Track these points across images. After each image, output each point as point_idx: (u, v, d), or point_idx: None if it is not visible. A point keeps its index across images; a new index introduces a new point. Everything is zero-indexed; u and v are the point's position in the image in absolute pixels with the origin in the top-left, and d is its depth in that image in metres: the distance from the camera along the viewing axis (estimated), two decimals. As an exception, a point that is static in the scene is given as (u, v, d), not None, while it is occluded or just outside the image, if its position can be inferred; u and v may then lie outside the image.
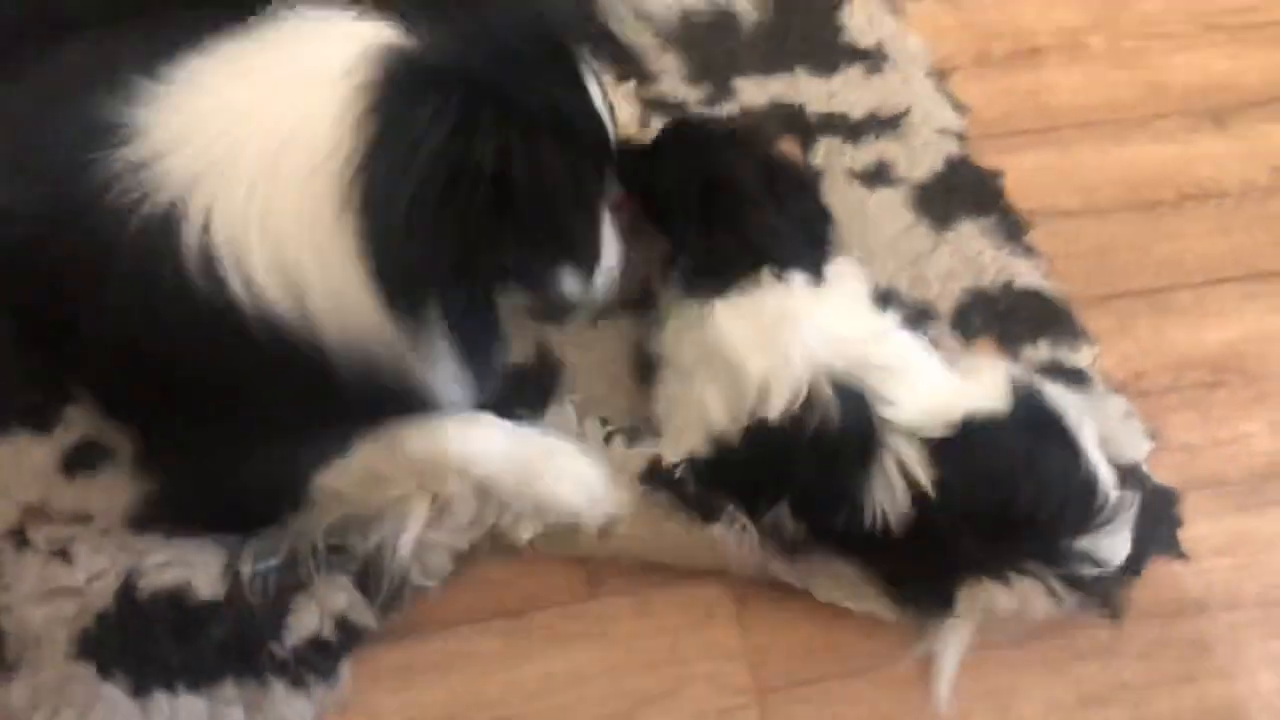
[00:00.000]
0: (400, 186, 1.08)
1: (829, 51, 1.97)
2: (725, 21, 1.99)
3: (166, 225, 1.14)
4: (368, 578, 1.42)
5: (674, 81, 1.91)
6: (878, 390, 1.37)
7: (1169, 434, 1.64)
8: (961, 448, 1.35)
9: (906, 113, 1.90)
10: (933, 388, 1.42)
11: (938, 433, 1.35)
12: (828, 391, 1.36)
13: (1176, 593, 1.53)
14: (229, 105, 1.15)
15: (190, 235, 1.13)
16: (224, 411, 1.30)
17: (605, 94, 1.33)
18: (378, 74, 1.10)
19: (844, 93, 1.92)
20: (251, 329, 1.15)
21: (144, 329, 1.22)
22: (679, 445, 1.46)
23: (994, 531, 1.36)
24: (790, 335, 1.39)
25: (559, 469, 1.42)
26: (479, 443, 1.41)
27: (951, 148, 1.88)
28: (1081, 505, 1.39)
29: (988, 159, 1.88)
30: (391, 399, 1.29)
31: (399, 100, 1.09)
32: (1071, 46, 2.05)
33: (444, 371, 1.29)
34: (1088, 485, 1.39)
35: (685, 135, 1.61)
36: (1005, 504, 1.36)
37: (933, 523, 1.34)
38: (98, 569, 1.43)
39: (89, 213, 1.16)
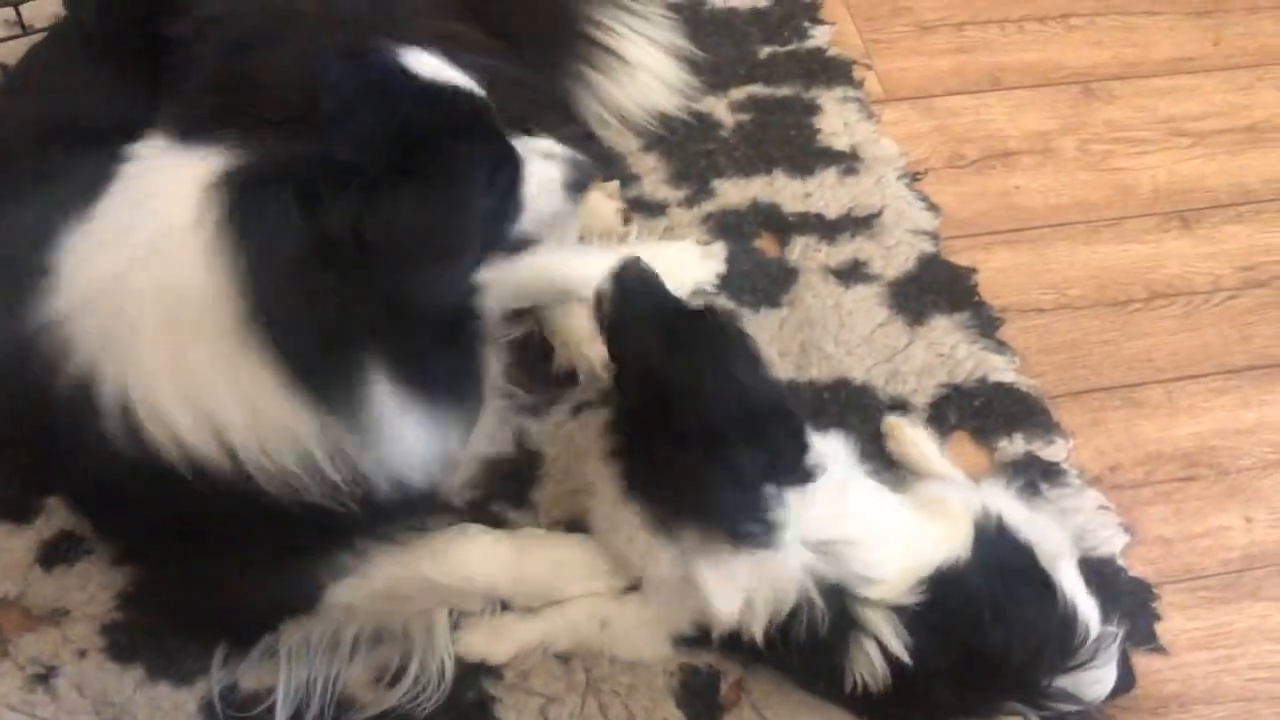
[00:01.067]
0: (282, 287, 1.08)
1: (805, 154, 2.03)
2: (705, 125, 2.05)
3: (86, 388, 1.15)
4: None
5: (655, 182, 1.97)
6: (855, 571, 1.34)
7: (1144, 527, 1.66)
8: (931, 607, 1.34)
9: (880, 213, 1.96)
10: (903, 548, 1.38)
11: (910, 599, 1.33)
12: (814, 597, 1.33)
13: (1156, 688, 1.53)
14: (107, 275, 1.14)
15: (109, 400, 1.14)
16: (194, 538, 1.31)
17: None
18: (223, 202, 1.09)
19: (820, 193, 1.98)
20: (187, 479, 1.16)
21: (88, 475, 1.26)
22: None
23: (970, 679, 1.35)
24: (774, 567, 1.32)
25: (565, 572, 1.48)
26: (493, 564, 1.47)
27: (925, 246, 1.93)
28: (1061, 644, 1.35)
29: (960, 257, 1.93)
30: (347, 508, 1.25)
31: (251, 217, 1.08)
32: (1042, 150, 2.12)
33: (409, 437, 1.26)
34: (1066, 623, 1.36)
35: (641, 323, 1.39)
36: (976, 653, 1.34)
37: (909, 680, 1.33)
38: (80, 711, 1.43)
39: (29, 352, 1.18)
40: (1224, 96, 2.21)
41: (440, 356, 1.26)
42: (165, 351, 1.12)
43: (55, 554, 1.53)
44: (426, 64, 1.21)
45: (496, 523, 1.57)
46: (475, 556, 1.48)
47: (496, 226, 1.31)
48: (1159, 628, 1.57)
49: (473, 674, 1.47)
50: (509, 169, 1.31)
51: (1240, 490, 1.71)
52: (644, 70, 1.97)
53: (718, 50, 2.16)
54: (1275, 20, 2.34)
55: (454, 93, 1.22)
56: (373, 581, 1.42)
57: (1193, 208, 2.05)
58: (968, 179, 2.07)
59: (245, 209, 1.08)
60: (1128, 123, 2.17)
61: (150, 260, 1.11)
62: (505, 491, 1.61)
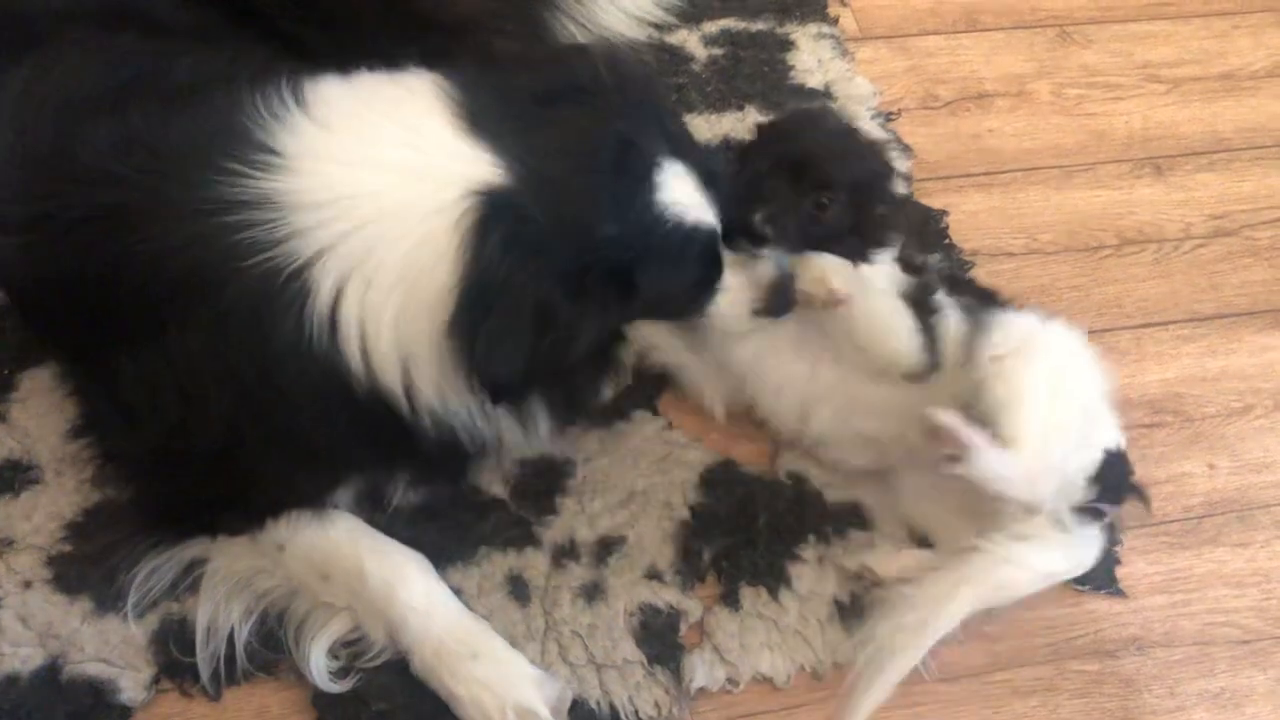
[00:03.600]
0: (499, 324, 1.23)
1: (778, 91, 1.99)
2: (677, 58, 2.01)
3: (295, 282, 1.22)
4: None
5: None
6: None
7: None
8: None
9: (854, 152, 1.92)
10: None
11: None
12: None
13: (1115, 631, 1.54)
14: (363, 192, 1.25)
15: (320, 300, 1.23)
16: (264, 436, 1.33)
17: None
18: (481, 215, 1.23)
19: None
20: (350, 384, 1.27)
21: (237, 360, 1.27)
22: None
23: None
24: None
25: (471, 675, 1.39)
26: (425, 608, 1.41)
27: (898, 188, 1.89)
28: None
29: (933, 200, 1.91)
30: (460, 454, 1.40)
31: (494, 239, 1.22)
32: (1017, 93, 2.09)
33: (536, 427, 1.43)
34: None
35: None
36: None
37: None
38: (24, 643, 1.39)
39: (200, 224, 1.24)
40: (1200, 43, 2.19)
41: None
42: (398, 296, 1.23)
43: (0, 483, 1.48)
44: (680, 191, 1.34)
45: (517, 523, 1.53)
46: (418, 589, 1.42)
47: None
48: (1119, 572, 1.57)
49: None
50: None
51: (1204, 438, 1.72)
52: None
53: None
54: (1253, -32, 2.32)
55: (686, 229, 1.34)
56: (316, 543, 1.41)
57: (1166, 155, 2.04)
58: (941, 120, 2.04)
59: (493, 229, 1.22)
60: (1103, 67, 2.14)
61: (407, 211, 1.23)
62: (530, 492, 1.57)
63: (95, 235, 1.30)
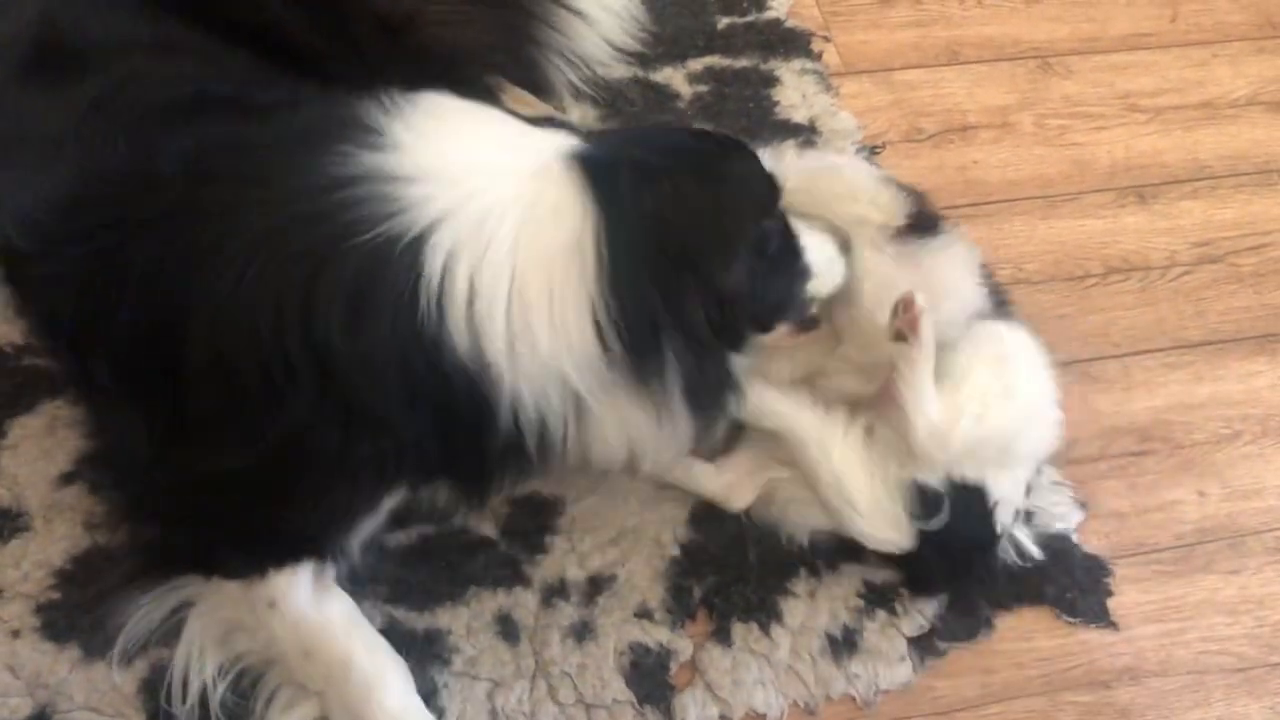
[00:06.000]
0: (637, 270, 1.25)
1: (763, 126, 2.00)
2: (662, 96, 2.03)
3: (409, 248, 1.22)
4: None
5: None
6: None
7: (1098, 502, 1.66)
8: None
9: (839, 186, 1.93)
10: None
11: None
12: None
13: (1109, 661, 1.53)
14: (473, 163, 1.28)
15: (431, 275, 1.22)
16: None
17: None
18: (581, 169, 1.26)
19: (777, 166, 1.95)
20: (448, 367, 1.24)
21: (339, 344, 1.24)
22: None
23: None
24: None
25: None
26: (398, 708, 1.36)
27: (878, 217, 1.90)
28: None
29: (918, 232, 1.92)
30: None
31: (613, 194, 1.25)
32: (1000, 124, 2.11)
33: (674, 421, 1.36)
34: None
35: None
36: None
37: None
38: (13, 692, 1.39)
39: (305, 204, 1.24)
40: (1179, 73, 2.21)
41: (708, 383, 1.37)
42: (517, 259, 1.23)
43: (-13, 531, 1.48)
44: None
45: (506, 562, 1.52)
46: (396, 697, 1.36)
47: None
48: (1111, 602, 1.57)
49: (418, 662, 1.43)
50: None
51: (1193, 464, 1.72)
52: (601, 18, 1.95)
53: (676, 21, 2.13)
54: (1231, -3, 2.35)
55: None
56: (310, 619, 1.36)
57: (1149, 183, 2.05)
58: (925, 153, 2.06)
59: (608, 184, 1.25)
60: (1085, 98, 2.16)
61: (516, 175, 1.26)
62: (520, 531, 1.56)
63: (175, 231, 1.28)
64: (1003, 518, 1.47)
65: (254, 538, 1.38)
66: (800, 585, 1.53)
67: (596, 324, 1.25)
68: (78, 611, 1.43)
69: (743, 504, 1.55)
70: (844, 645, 1.50)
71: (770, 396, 1.52)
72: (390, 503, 1.41)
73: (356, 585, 1.45)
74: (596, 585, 1.52)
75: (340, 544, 1.41)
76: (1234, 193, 2.05)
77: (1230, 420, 1.77)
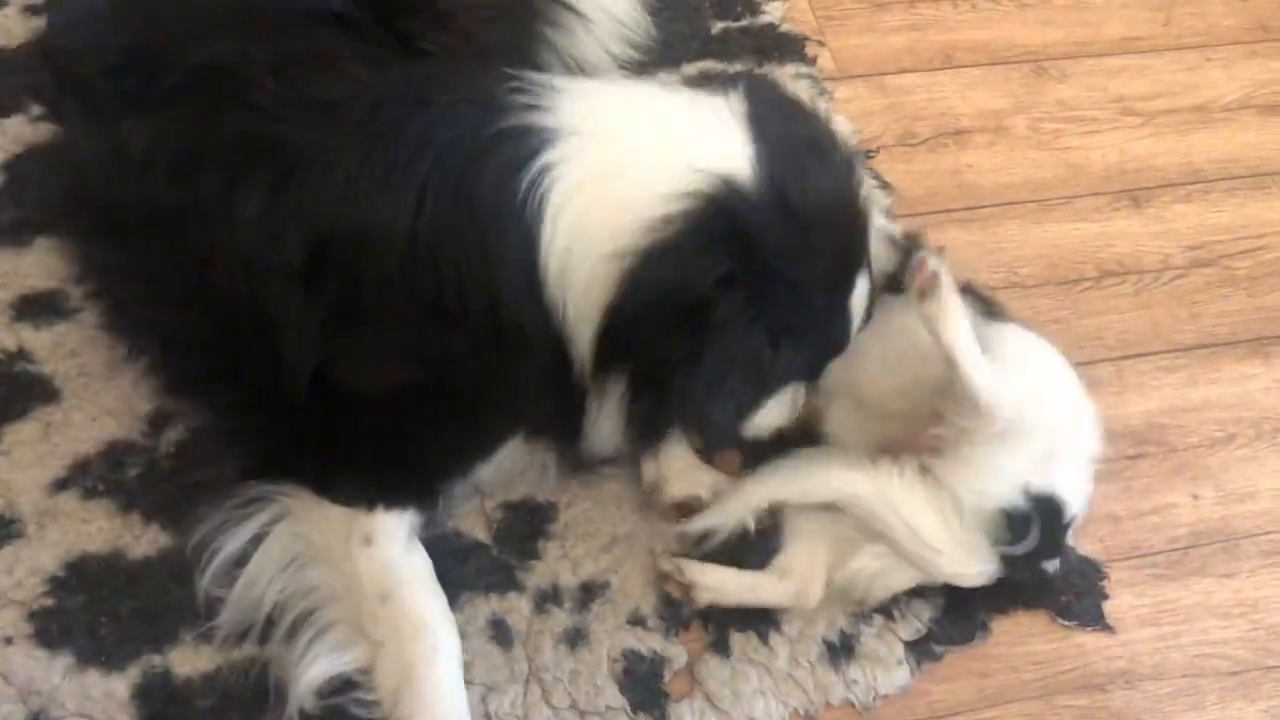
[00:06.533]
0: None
1: (757, 131, 2.00)
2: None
3: (536, 155, 1.29)
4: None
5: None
6: None
7: (1093, 505, 1.63)
8: None
9: (833, 190, 1.93)
10: None
11: None
12: None
13: (1104, 665, 1.53)
14: (624, 143, 1.35)
15: (552, 175, 1.29)
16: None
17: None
18: (709, 203, 1.28)
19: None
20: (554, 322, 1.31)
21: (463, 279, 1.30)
22: None
23: None
24: None
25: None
26: (448, 689, 1.37)
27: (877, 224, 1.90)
28: None
29: (913, 236, 1.92)
30: None
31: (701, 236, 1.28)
32: (994, 128, 2.11)
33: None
34: None
35: None
36: None
37: None
38: (5, 699, 1.38)
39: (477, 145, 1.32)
40: (1173, 76, 2.22)
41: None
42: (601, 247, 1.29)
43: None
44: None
45: (499, 567, 1.52)
46: (454, 667, 1.38)
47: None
48: (1107, 606, 1.57)
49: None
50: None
51: (1187, 468, 1.72)
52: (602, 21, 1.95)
53: (670, 26, 2.12)
54: (1224, 1, 2.35)
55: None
56: (397, 571, 1.38)
57: (1142, 187, 2.06)
58: (920, 157, 2.06)
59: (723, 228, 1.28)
60: (1078, 102, 2.16)
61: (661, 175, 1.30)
62: (513, 536, 1.55)
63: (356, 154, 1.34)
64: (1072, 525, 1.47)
65: (375, 469, 1.40)
66: (796, 590, 1.53)
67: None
68: (71, 616, 1.42)
69: (816, 600, 1.50)
70: (842, 651, 1.50)
71: (818, 468, 1.50)
72: (503, 452, 1.44)
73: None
74: (589, 591, 1.51)
75: (449, 490, 1.43)
76: (1227, 196, 2.06)
77: (1224, 423, 1.77)
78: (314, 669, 1.36)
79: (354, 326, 1.35)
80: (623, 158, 1.32)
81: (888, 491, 1.43)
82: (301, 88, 1.39)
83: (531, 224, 1.29)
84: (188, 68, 1.43)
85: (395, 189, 1.31)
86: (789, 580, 1.49)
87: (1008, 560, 1.42)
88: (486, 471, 1.48)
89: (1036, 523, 1.41)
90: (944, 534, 1.42)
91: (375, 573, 1.37)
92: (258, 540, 1.40)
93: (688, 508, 1.54)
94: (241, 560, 1.40)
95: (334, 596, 1.39)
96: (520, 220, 1.29)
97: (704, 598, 1.49)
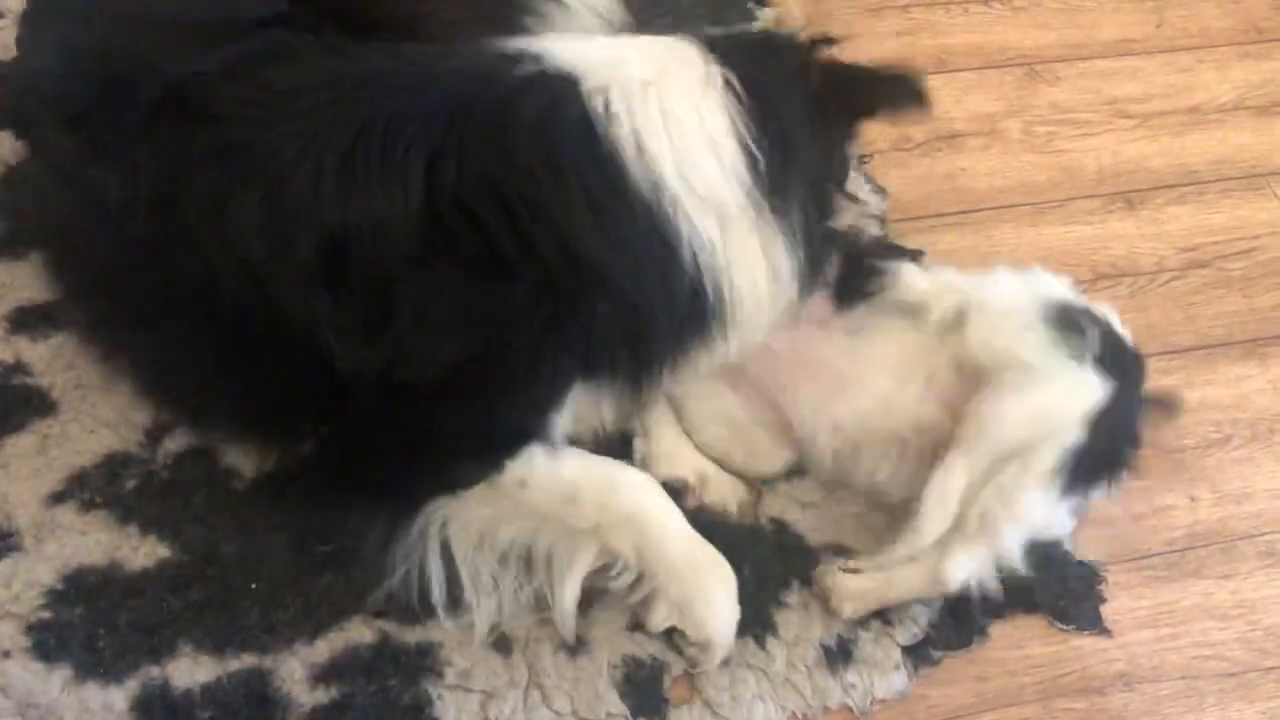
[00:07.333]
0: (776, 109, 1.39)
1: (753, 137, 2.00)
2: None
3: (566, 90, 1.32)
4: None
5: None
6: None
7: (1090, 509, 1.65)
8: None
9: (828, 196, 1.94)
10: None
11: None
12: None
13: (1103, 668, 1.53)
14: (603, 43, 1.45)
15: (594, 102, 1.31)
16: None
17: None
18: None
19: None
20: (628, 190, 1.32)
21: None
22: None
23: None
24: None
25: (716, 592, 1.44)
26: (669, 512, 1.45)
27: (872, 229, 1.92)
28: None
29: (908, 240, 1.93)
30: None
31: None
32: (988, 132, 2.12)
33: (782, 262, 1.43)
34: None
35: None
36: None
37: None
38: (4, 713, 1.38)
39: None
40: (1166, 78, 2.22)
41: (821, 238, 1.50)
42: (654, 90, 1.35)
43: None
44: None
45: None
46: (660, 495, 1.45)
47: None
48: (1104, 609, 1.57)
49: (411, 676, 1.43)
50: None
51: (1184, 470, 1.72)
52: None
53: (662, 30, 2.12)
54: (1216, 3, 2.36)
55: None
56: (558, 468, 1.41)
57: (1136, 189, 2.06)
58: (914, 161, 2.06)
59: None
60: (1072, 104, 2.17)
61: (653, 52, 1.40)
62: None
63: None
64: None
65: (480, 442, 1.41)
66: (793, 596, 1.53)
67: (744, 147, 1.35)
68: (69, 629, 1.42)
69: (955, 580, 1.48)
70: (839, 655, 1.50)
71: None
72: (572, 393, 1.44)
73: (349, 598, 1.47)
74: (588, 597, 1.51)
75: (556, 415, 1.44)
76: (1221, 197, 2.06)
77: (1220, 425, 1.77)
78: (565, 592, 1.42)
79: (393, 316, 1.33)
80: (656, 72, 1.36)
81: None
82: (258, 84, 1.36)
83: (606, 149, 1.30)
84: (145, 101, 1.38)
85: (397, 166, 1.29)
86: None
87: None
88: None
89: None
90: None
91: (549, 494, 1.41)
92: (445, 550, 1.44)
93: (673, 489, 1.54)
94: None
95: (533, 530, 1.43)
96: (590, 150, 1.30)
97: (845, 609, 1.50)
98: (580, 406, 1.46)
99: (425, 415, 1.38)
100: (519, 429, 1.41)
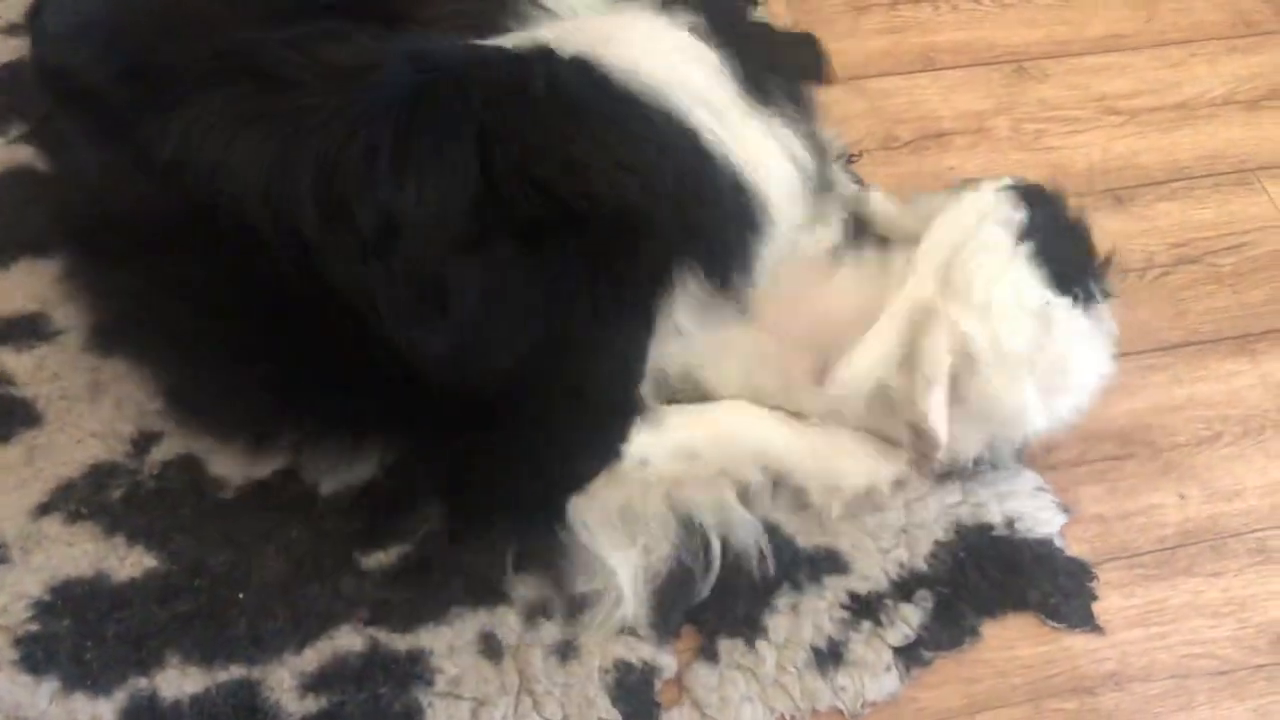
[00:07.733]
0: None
1: (739, 137, 2.00)
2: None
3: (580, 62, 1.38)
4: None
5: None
6: None
7: (1080, 507, 1.66)
8: None
9: (816, 195, 1.94)
10: None
11: None
12: None
13: (1093, 668, 1.53)
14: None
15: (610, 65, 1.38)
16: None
17: None
18: None
19: (753, 177, 1.95)
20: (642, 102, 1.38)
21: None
22: None
23: None
24: None
25: (842, 447, 1.54)
26: (781, 431, 1.52)
27: (860, 229, 1.91)
28: None
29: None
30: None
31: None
32: (976, 130, 2.11)
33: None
34: None
35: None
36: None
37: None
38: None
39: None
40: (1155, 73, 2.22)
41: None
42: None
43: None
44: None
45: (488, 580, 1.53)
46: (758, 414, 1.52)
47: None
48: (1095, 607, 1.57)
49: (401, 683, 1.43)
50: None
51: (1174, 467, 1.72)
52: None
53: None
54: (1206, -4, 2.35)
55: None
56: (667, 433, 1.45)
57: (1125, 185, 2.05)
58: (903, 160, 2.06)
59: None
60: (1060, 101, 2.16)
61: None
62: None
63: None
64: None
65: (588, 438, 1.44)
66: (783, 599, 1.53)
67: (720, 60, 1.48)
68: (56, 641, 1.42)
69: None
70: (829, 657, 1.50)
71: None
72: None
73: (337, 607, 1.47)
74: (579, 602, 1.51)
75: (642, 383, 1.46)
76: (1211, 193, 2.06)
77: (1210, 421, 1.77)
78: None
79: (449, 300, 1.33)
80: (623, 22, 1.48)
81: None
82: (326, 60, 1.38)
83: (615, 88, 1.37)
84: (209, 57, 1.40)
85: (451, 136, 1.32)
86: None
87: None
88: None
89: None
90: None
91: (669, 462, 1.47)
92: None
93: None
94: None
95: (671, 499, 1.49)
96: (602, 92, 1.36)
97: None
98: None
99: (530, 421, 1.41)
100: (622, 410, 1.45)
